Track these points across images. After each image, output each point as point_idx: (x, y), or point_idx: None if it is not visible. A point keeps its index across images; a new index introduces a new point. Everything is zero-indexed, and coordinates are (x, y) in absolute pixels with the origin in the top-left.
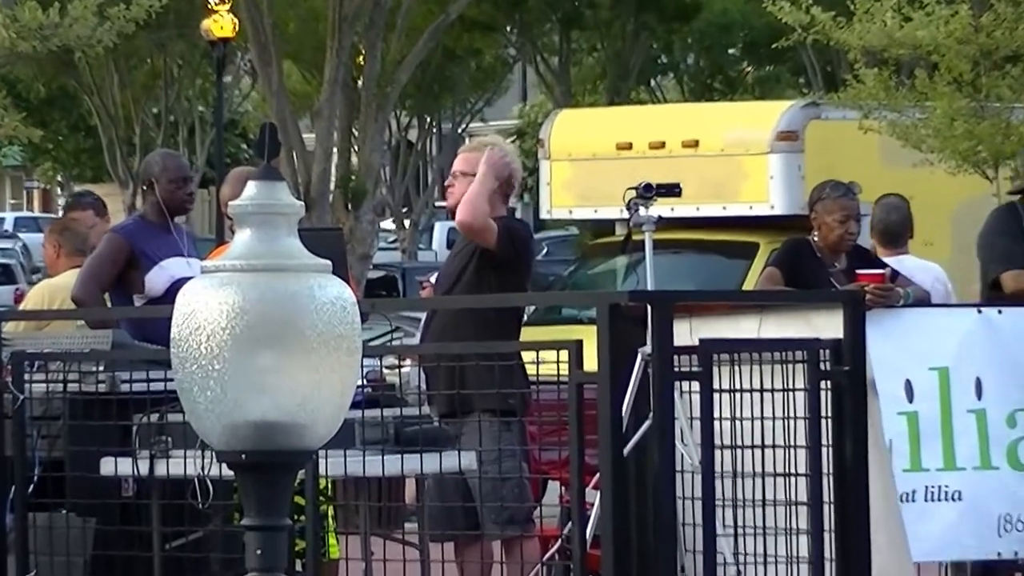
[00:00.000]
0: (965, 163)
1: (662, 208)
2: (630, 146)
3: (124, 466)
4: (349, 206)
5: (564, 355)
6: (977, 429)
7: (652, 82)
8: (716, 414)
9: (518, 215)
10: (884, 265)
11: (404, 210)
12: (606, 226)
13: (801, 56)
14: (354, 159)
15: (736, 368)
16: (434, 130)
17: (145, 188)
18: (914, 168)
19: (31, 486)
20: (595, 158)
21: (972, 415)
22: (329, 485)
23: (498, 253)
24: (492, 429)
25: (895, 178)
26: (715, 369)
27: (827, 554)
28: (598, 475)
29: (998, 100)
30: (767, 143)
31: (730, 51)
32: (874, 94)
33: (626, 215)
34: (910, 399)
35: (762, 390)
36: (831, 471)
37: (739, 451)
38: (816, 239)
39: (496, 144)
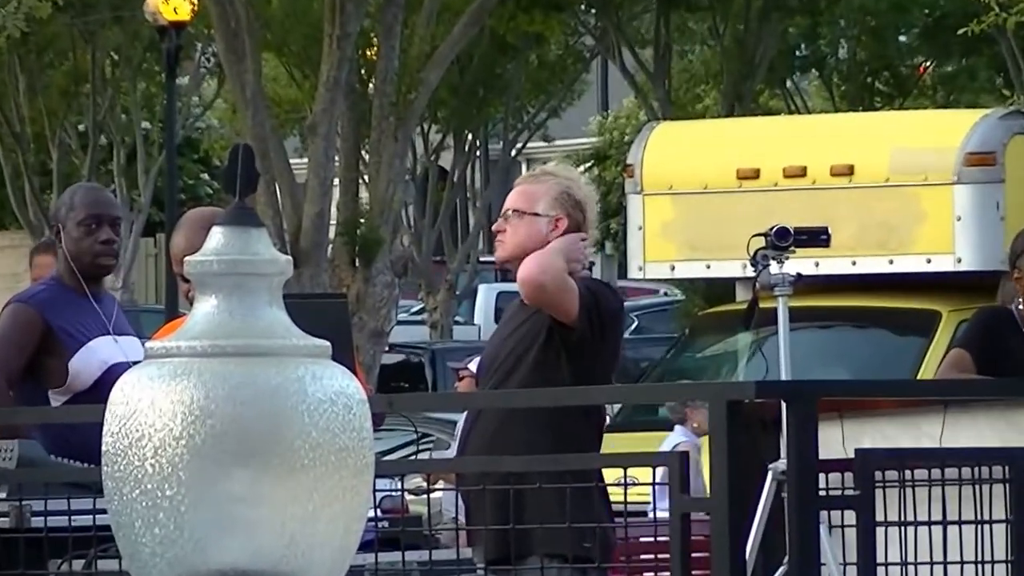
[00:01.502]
0: None
1: (802, 262)
2: (757, 174)
3: None
4: (356, 262)
5: (663, 473)
6: None
7: (788, 82)
8: (880, 557)
9: (596, 273)
10: None
11: (435, 261)
12: (722, 288)
13: (1000, 46)
14: (364, 194)
15: (908, 491)
16: (477, 153)
17: (56, 237)
18: None
19: None
20: (707, 191)
21: None
22: None
23: (577, 328)
24: None
25: None
26: (878, 492)
27: None
28: None
29: None
30: (952, 169)
31: (901, 38)
32: None
33: (751, 272)
34: None
35: (945, 522)
36: None
37: None
38: (1021, 307)
39: (576, 183)
